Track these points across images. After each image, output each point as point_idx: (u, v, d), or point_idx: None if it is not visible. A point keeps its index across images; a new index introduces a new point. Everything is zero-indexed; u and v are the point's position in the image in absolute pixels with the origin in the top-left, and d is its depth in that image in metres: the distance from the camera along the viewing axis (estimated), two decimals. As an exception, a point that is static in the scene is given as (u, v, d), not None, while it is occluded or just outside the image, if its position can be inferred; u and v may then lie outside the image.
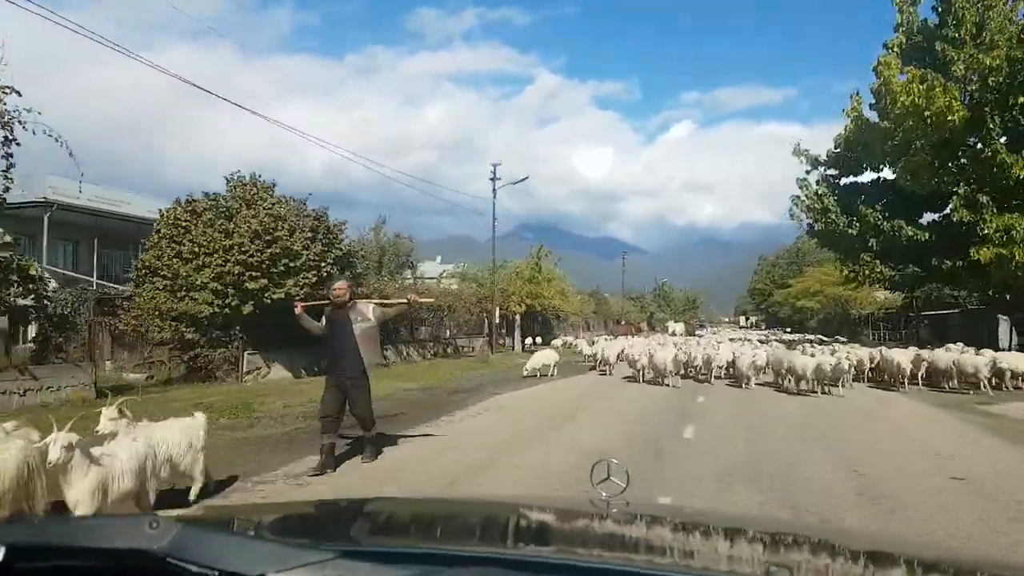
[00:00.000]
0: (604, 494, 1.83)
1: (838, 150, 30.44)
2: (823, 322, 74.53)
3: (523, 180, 36.36)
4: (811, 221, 30.52)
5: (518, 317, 39.33)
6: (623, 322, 66.89)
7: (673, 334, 51.08)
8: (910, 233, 26.40)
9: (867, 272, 28.86)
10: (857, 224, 28.77)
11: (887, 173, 30.21)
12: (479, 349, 34.04)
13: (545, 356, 20.51)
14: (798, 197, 30.55)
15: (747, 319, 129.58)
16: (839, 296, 70.21)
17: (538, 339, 40.32)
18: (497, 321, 36.08)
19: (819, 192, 29.89)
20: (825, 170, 30.98)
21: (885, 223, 26.93)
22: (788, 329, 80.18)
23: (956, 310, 46.80)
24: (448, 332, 35.28)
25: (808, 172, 30.92)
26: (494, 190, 35.37)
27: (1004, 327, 34.67)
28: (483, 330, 36.26)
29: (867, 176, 30.76)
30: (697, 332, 66.75)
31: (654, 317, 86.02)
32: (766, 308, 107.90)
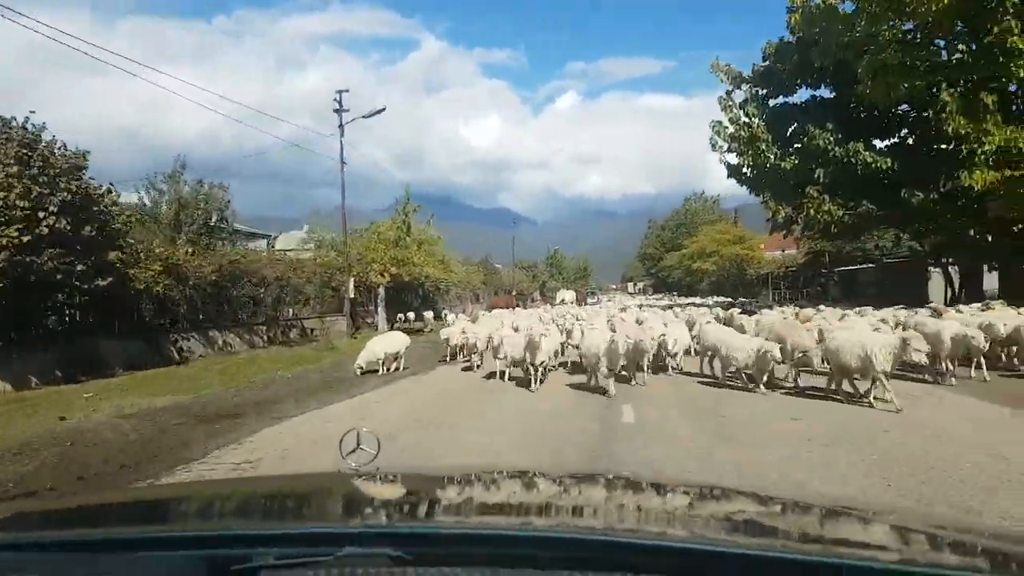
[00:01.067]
0: (353, 464, 1.74)
1: (767, 62, 24.44)
2: (716, 284, 72.31)
3: (378, 112, 28.34)
4: (736, 154, 24.39)
5: (382, 290, 31.53)
6: (514, 292, 60.05)
7: (563, 302, 45.05)
8: (868, 159, 20.58)
9: (812, 211, 22.71)
10: (793, 157, 22.94)
11: (825, 92, 24.62)
12: (325, 332, 26.20)
13: (387, 343, 13.18)
14: (719, 123, 24.35)
15: (634, 285, 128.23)
16: (735, 256, 67.53)
17: (410, 315, 32.97)
18: (352, 295, 28.26)
19: (747, 119, 23.71)
20: (751, 88, 24.87)
21: (836, 148, 21.03)
22: (675, 293, 77.40)
23: (869, 264, 43.38)
24: (291, 311, 27.37)
25: (730, 92, 24.73)
26: (340, 125, 27.31)
27: (938, 280, 30.42)
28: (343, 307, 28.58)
29: (801, 95, 24.96)
30: (590, 300, 61.13)
31: (546, 286, 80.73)
32: (656, 273, 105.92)
